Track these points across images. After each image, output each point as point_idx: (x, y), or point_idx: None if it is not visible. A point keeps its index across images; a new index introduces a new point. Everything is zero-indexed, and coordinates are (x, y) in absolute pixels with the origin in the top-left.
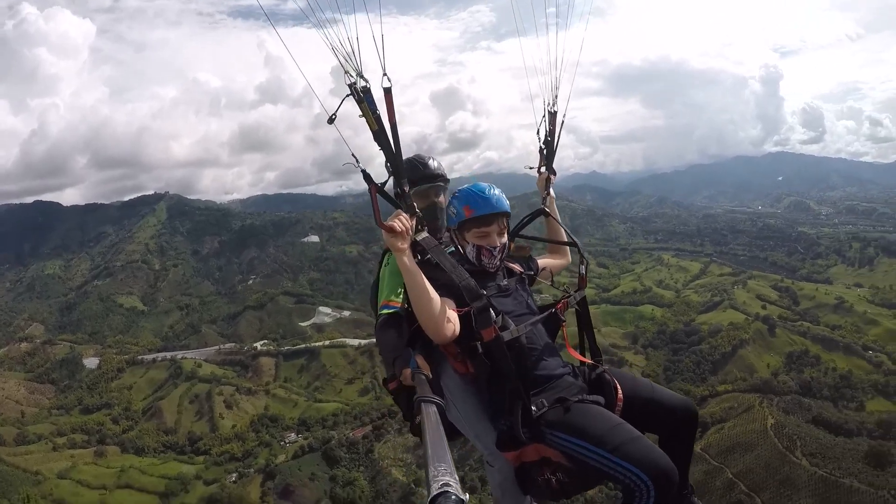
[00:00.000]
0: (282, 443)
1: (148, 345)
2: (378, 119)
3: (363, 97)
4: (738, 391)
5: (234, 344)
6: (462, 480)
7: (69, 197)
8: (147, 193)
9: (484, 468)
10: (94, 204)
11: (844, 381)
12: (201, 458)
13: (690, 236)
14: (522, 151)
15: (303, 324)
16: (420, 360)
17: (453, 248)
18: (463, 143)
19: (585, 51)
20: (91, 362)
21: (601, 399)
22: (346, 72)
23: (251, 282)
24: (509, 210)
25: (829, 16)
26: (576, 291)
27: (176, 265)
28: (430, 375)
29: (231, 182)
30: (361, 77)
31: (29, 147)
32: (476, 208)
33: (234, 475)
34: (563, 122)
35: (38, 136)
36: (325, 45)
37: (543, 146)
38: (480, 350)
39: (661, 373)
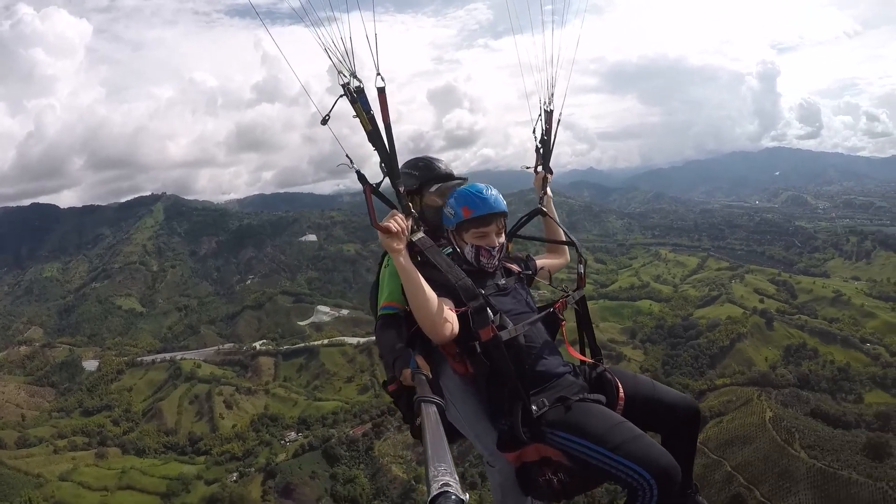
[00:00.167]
0: (282, 442)
1: (147, 346)
2: (372, 119)
3: (357, 97)
4: (737, 385)
5: (233, 344)
6: (462, 477)
7: (66, 199)
8: (144, 194)
9: (484, 466)
10: (92, 206)
11: (842, 374)
12: (202, 459)
13: (688, 231)
14: (519, 148)
15: (301, 323)
16: (420, 361)
17: (451, 249)
18: (460, 141)
19: (583, 48)
20: (90, 364)
21: (602, 398)
22: (340, 72)
23: (249, 282)
24: (507, 210)
25: (828, 12)
26: (574, 291)
27: (174, 266)
28: (430, 375)
29: (228, 182)
30: (355, 77)
31: (26, 149)
32: (475, 209)
33: (235, 475)
34: (559, 120)
35: (35, 137)
36: (319, 45)
37: (540, 145)
38: (479, 350)
39: (660, 367)
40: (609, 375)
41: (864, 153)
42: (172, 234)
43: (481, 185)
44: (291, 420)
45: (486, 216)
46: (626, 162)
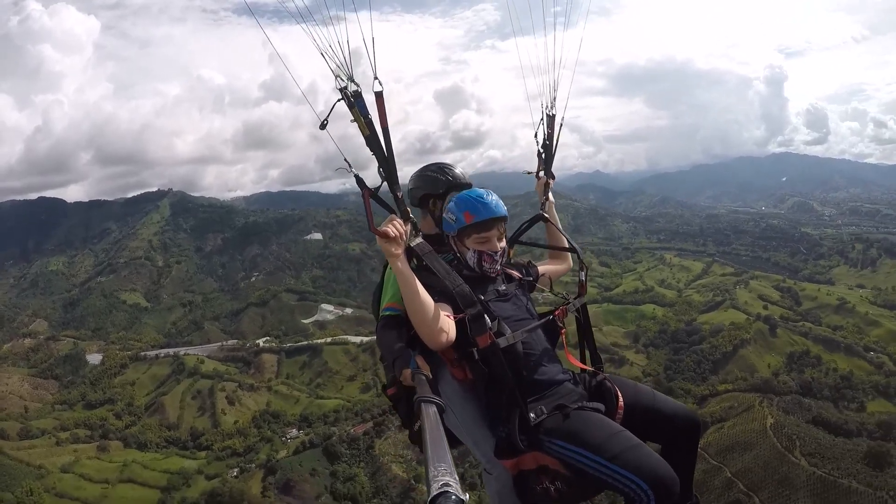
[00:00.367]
0: (283, 438)
1: (151, 341)
2: (370, 124)
3: (354, 102)
4: (739, 391)
5: (236, 340)
6: (462, 477)
7: (73, 193)
8: (151, 190)
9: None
10: (98, 200)
11: (845, 382)
12: (203, 454)
13: (693, 236)
14: (526, 150)
15: (305, 321)
16: (420, 361)
17: (452, 256)
18: (467, 142)
19: (591, 50)
20: (94, 358)
21: (601, 406)
22: (337, 76)
23: (254, 279)
24: (507, 214)
25: (835, 17)
26: (575, 298)
27: (179, 262)
28: (430, 376)
29: (234, 179)
30: (352, 81)
31: (33, 143)
32: (476, 214)
33: (236, 470)
34: (561, 125)
35: (43, 132)
36: (317, 49)
37: (542, 150)
38: (477, 356)
39: (662, 372)
40: (609, 384)
41: (872, 160)
42: (178, 230)
43: (482, 190)
44: (293, 417)
45: (488, 221)
46: (633, 165)
